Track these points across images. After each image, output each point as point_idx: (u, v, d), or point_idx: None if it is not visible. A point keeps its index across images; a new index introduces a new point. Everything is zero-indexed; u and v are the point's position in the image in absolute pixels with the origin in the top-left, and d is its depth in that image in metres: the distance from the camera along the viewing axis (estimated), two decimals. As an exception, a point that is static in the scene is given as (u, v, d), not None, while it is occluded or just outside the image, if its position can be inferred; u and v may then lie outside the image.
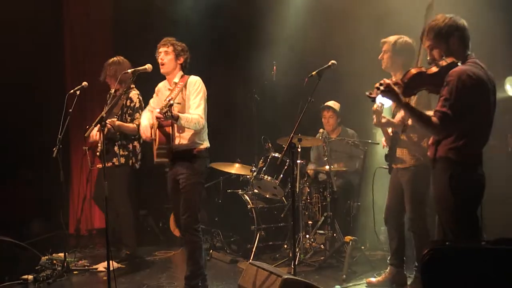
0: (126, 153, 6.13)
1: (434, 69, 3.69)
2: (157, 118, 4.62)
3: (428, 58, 3.81)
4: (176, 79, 4.94)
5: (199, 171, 4.87)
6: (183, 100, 4.87)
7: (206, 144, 4.96)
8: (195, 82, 4.87)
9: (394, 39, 4.92)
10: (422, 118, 3.63)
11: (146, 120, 5.01)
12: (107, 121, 4.69)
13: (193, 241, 4.85)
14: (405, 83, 3.73)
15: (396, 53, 4.89)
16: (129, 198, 6.26)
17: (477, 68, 3.60)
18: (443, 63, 3.65)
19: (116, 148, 6.10)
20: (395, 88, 3.62)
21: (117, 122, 5.90)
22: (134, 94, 6.05)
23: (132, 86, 6.19)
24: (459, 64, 3.63)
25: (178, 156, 4.86)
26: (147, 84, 5.52)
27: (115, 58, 6.22)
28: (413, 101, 4.50)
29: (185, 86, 4.87)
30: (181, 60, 4.95)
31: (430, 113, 3.65)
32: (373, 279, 5.24)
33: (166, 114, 4.38)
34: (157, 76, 5.08)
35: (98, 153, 6.24)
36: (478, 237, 3.64)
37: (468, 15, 3.88)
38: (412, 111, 3.68)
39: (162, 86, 5.12)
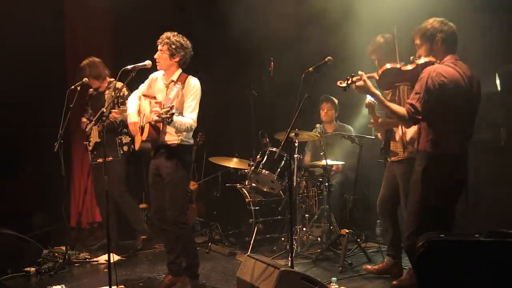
0: (129, 139, 6.29)
1: (409, 66, 4.00)
2: (155, 121, 4.61)
3: (412, 57, 4.06)
4: (174, 77, 4.90)
5: (184, 165, 4.89)
6: (181, 100, 4.87)
7: (192, 140, 4.99)
8: (194, 85, 4.84)
9: (379, 44, 4.99)
10: (392, 110, 3.94)
11: (134, 107, 5.01)
12: (109, 117, 4.76)
13: (183, 234, 4.90)
14: (380, 76, 4.01)
15: (387, 53, 4.90)
16: (126, 186, 6.46)
17: (452, 68, 3.82)
18: (421, 61, 3.94)
19: (118, 138, 6.22)
20: (367, 80, 3.92)
21: (115, 113, 6.04)
22: (120, 84, 5.96)
23: (111, 79, 6.39)
24: (436, 63, 3.85)
25: (164, 149, 4.87)
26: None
27: (88, 61, 6.38)
28: (401, 94, 4.65)
29: (183, 86, 4.85)
30: (177, 58, 4.86)
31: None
32: (369, 266, 5.35)
33: (165, 120, 4.40)
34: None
35: (90, 148, 6.36)
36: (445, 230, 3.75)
37: (459, 16, 4.05)
38: (382, 102, 3.99)
39: (158, 76, 5.05)
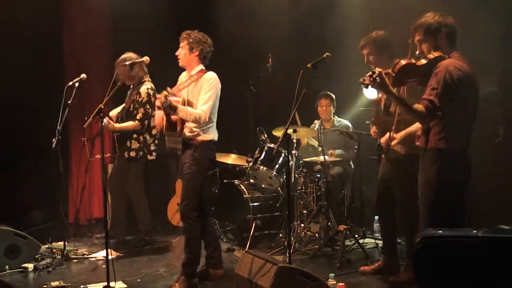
0: (138, 145, 6.27)
1: (423, 61, 3.88)
2: (157, 107, 4.75)
3: (417, 52, 3.97)
4: (194, 72, 4.99)
5: (200, 161, 4.93)
6: (194, 93, 4.93)
7: (211, 136, 5.01)
8: (210, 78, 4.90)
9: (372, 39, 4.94)
10: (409, 107, 3.82)
11: None
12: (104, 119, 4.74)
13: (189, 229, 4.93)
14: (396, 73, 3.89)
15: (379, 51, 4.92)
16: (143, 188, 6.53)
17: (463, 62, 3.78)
18: (431, 56, 3.86)
19: (128, 141, 6.22)
20: (385, 77, 3.78)
21: (117, 126, 6.05)
22: (144, 88, 6.13)
23: (145, 79, 6.32)
24: (446, 57, 3.80)
25: (185, 145, 4.99)
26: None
27: (124, 56, 6.19)
28: (404, 91, 4.62)
29: (198, 80, 4.92)
30: (196, 52, 4.95)
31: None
32: (366, 267, 5.30)
33: (164, 104, 4.49)
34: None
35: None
36: (460, 226, 3.74)
37: (456, 14, 4.03)
38: (400, 100, 3.89)
39: (183, 76, 5.18)
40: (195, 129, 4.92)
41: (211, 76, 4.94)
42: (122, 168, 6.35)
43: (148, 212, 6.56)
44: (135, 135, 6.25)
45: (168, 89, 4.74)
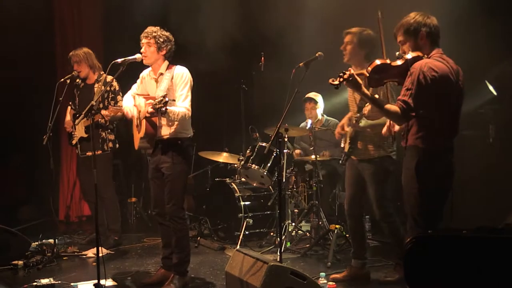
0: (113, 137, 6.27)
1: (399, 61, 3.85)
2: (150, 113, 4.60)
3: (398, 52, 3.94)
4: (162, 70, 4.90)
5: (183, 160, 4.89)
6: (171, 90, 4.85)
7: (189, 132, 4.97)
8: (182, 74, 4.84)
9: (358, 31, 4.87)
10: (383, 108, 3.83)
11: (131, 103, 5.01)
12: (99, 118, 4.70)
13: (179, 229, 4.90)
14: (370, 73, 3.85)
15: (360, 45, 4.85)
16: (112, 183, 6.47)
17: (440, 62, 3.75)
18: (409, 56, 3.82)
19: (103, 134, 6.21)
20: (357, 78, 3.77)
21: (109, 111, 6.01)
22: (110, 78, 5.93)
23: (101, 72, 6.33)
24: (424, 57, 3.79)
25: (162, 145, 4.87)
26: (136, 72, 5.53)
27: (85, 49, 6.32)
28: (380, 92, 4.62)
29: (171, 76, 4.84)
30: (164, 51, 4.87)
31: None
32: (337, 275, 5.12)
33: (160, 109, 4.41)
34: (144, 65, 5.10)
35: (73, 142, 6.34)
36: (438, 225, 3.75)
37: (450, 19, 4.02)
38: (373, 100, 3.88)
39: (146, 74, 5.07)
40: (175, 129, 4.84)
41: (183, 71, 4.87)
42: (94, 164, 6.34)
43: (117, 212, 6.55)
44: (111, 126, 6.33)
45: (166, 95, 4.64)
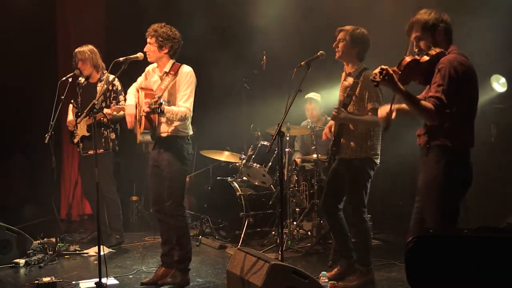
0: (114, 136, 6.27)
1: (425, 57, 3.73)
2: (147, 112, 4.59)
3: (416, 50, 3.86)
4: (167, 68, 4.87)
5: (182, 158, 4.88)
6: (174, 89, 4.85)
7: (189, 131, 4.96)
8: (187, 74, 4.82)
9: (352, 29, 4.83)
10: (419, 104, 3.62)
11: (133, 99, 5.00)
12: (101, 115, 4.69)
13: (180, 226, 4.91)
14: (401, 70, 3.72)
15: (353, 42, 4.81)
16: (114, 182, 6.45)
17: (464, 57, 3.69)
18: (433, 52, 3.71)
19: (105, 133, 6.21)
20: (394, 75, 3.60)
21: (111, 110, 6.00)
22: (112, 77, 5.94)
23: (104, 71, 6.33)
24: (446, 53, 3.72)
25: (162, 142, 4.88)
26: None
27: (90, 46, 6.32)
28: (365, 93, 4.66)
29: (176, 76, 4.83)
30: (166, 49, 4.82)
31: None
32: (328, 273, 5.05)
33: (155, 110, 4.41)
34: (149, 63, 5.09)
35: (75, 141, 6.35)
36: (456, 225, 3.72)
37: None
38: (410, 97, 3.65)
39: (151, 70, 5.06)
40: (174, 127, 4.83)
41: (188, 70, 4.86)
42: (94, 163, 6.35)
43: (118, 211, 6.55)
44: (112, 126, 6.34)
45: (161, 96, 4.65)
